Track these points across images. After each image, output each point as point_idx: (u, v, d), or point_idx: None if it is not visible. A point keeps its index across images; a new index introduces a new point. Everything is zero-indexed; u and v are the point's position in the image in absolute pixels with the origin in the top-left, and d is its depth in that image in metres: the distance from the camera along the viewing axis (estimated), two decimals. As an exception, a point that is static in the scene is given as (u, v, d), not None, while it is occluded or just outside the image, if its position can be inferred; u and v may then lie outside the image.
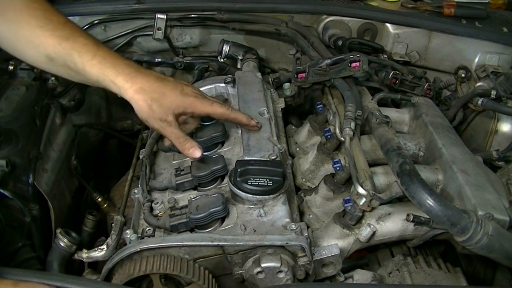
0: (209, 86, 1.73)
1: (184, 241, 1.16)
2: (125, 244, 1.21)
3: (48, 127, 1.61)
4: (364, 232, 1.26)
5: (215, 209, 1.20)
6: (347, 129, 1.41)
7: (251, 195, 1.26)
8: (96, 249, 1.26)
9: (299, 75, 1.65)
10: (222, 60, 1.95)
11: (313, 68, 1.63)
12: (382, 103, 1.75)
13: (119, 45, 2.00)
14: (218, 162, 1.34)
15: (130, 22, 2.01)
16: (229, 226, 1.23)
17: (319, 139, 1.61)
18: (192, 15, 2.00)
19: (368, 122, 1.53)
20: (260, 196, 1.26)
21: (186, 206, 1.24)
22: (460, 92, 1.91)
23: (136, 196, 1.34)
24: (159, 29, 1.91)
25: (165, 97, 1.31)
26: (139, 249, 1.14)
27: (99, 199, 1.66)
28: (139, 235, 1.22)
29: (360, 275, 1.29)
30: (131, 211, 1.36)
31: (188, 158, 1.39)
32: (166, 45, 1.98)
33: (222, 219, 1.24)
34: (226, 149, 1.48)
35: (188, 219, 1.20)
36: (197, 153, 1.32)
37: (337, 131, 1.44)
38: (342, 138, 1.41)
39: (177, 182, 1.34)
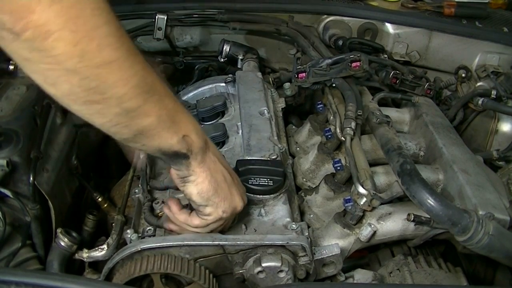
0: (209, 86, 1.73)
1: (184, 240, 1.15)
2: (126, 244, 1.20)
3: (49, 127, 1.60)
4: (365, 232, 1.26)
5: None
6: (348, 128, 1.41)
7: (251, 195, 1.26)
8: (96, 248, 1.26)
9: (299, 74, 1.65)
10: (222, 59, 1.95)
11: (314, 68, 1.63)
12: (382, 103, 1.75)
13: (120, 45, 2.00)
14: (219, 162, 1.34)
15: (130, 21, 2.00)
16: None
17: (319, 139, 1.61)
18: (193, 15, 2.00)
19: (369, 121, 1.53)
20: (261, 196, 1.26)
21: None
22: (460, 92, 1.90)
23: (137, 195, 1.34)
24: (159, 28, 1.91)
25: None
26: (139, 249, 1.14)
27: (100, 199, 1.66)
28: (140, 235, 1.22)
29: (361, 275, 1.29)
30: (131, 210, 1.36)
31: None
32: (166, 45, 1.98)
33: None
34: (226, 149, 1.48)
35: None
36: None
37: (338, 130, 1.44)
38: (343, 138, 1.41)
39: (177, 182, 1.34)
